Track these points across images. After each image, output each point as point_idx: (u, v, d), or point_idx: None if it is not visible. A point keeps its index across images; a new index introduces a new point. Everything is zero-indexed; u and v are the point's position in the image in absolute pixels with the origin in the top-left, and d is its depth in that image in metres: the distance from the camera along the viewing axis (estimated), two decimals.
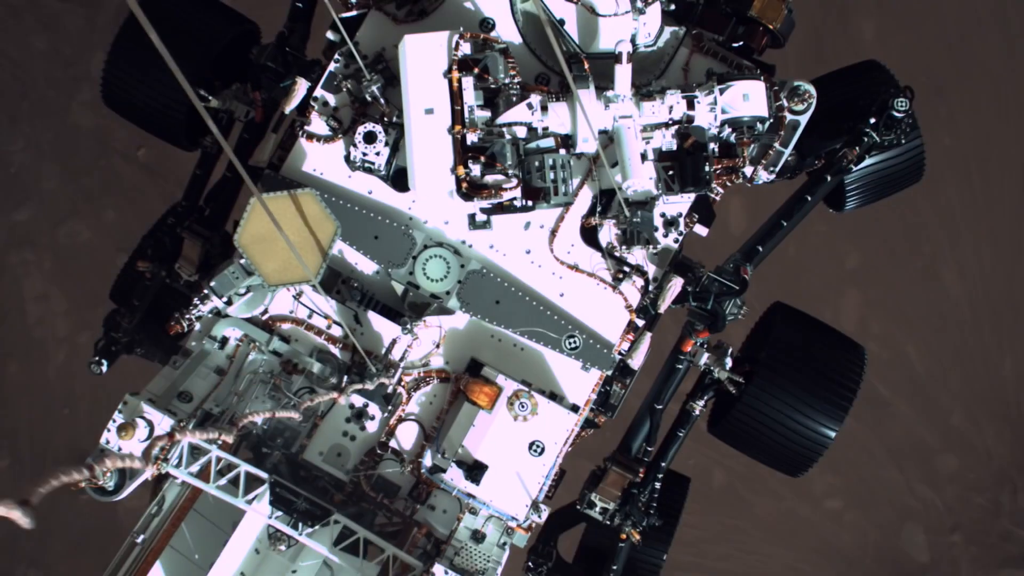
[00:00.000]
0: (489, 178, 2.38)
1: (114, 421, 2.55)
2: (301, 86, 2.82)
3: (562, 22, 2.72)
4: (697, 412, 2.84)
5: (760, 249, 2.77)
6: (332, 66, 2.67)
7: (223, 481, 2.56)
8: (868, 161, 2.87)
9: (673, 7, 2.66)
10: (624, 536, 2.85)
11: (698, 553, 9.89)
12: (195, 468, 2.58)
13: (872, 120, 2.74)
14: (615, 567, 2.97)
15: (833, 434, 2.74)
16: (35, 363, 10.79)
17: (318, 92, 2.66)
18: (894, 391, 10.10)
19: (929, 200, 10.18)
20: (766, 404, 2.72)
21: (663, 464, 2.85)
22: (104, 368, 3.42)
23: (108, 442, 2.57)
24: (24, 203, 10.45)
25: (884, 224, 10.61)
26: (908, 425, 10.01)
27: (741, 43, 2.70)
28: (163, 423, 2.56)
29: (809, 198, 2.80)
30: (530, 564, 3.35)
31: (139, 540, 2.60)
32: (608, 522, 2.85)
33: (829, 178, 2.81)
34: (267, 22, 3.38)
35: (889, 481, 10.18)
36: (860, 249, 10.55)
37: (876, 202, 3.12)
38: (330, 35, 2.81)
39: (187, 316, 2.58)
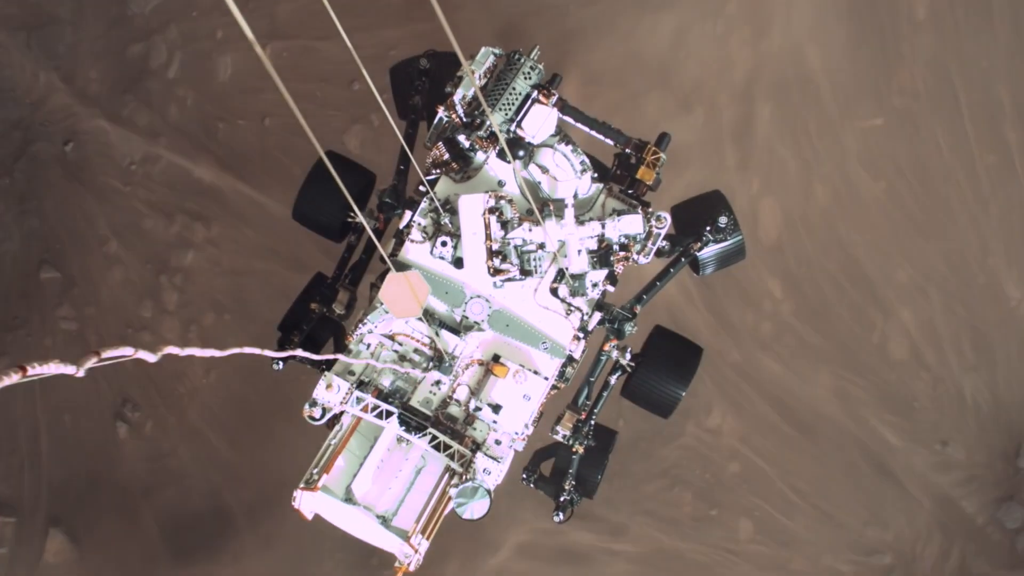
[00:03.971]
0: (503, 266, 7.38)
1: (320, 383, 7.51)
2: (407, 214, 7.80)
3: (539, 183, 7.72)
4: (612, 382, 7.65)
5: (644, 297, 7.63)
6: (423, 203, 7.73)
7: (372, 414, 7.54)
8: (709, 249, 7.70)
9: (596, 175, 7.68)
10: (575, 450, 7.96)
11: None
12: (358, 407, 7.56)
13: (708, 227, 7.89)
14: (571, 471, 7.99)
15: (682, 393, 7.64)
16: None
17: (416, 217, 7.74)
18: (953, 427, 12.41)
19: None
20: (647, 378, 7.57)
21: (595, 410, 7.69)
22: (280, 367, 8.47)
23: (316, 395, 7.55)
24: None
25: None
26: (968, 468, 12.43)
27: (632, 191, 7.78)
28: (343, 384, 7.55)
29: (672, 270, 7.69)
30: (524, 475, 8.41)
31: (333, 441, 7.65)
32: (567, 443, 7.87)
33: (683, 260, 7.70)
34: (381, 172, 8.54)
35: (946, 534, 12.31)
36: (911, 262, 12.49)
37: (721, 270, 8.13)
38: (421, 187, 7.78)
39: (356, 332, 7.62)
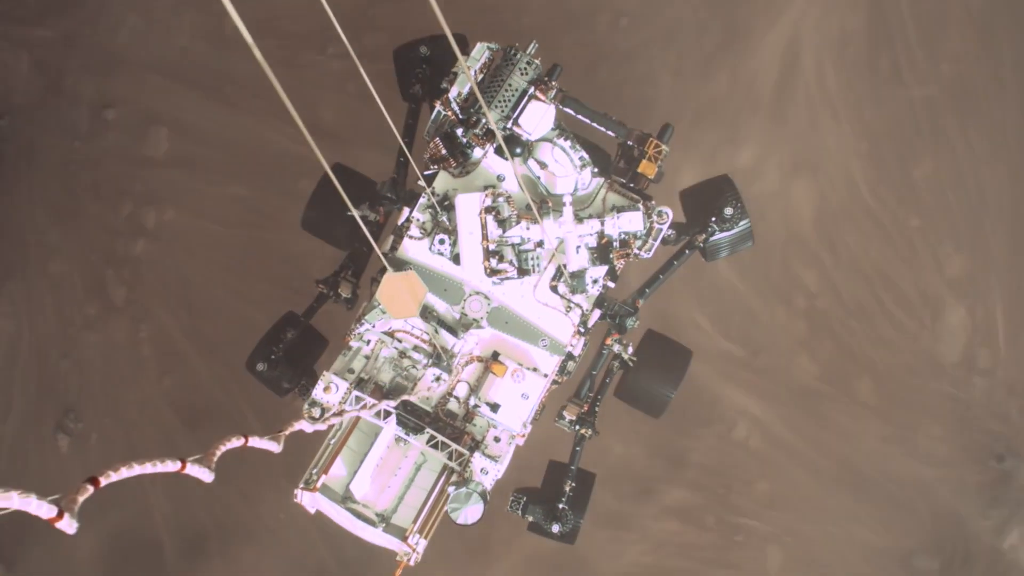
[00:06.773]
0: (500, 266, 9.37)
1: (320, 384, 9.84)
2: (405, 211, 10.08)
3: (539, 178, 10.06)
4: (614, 373, 9.65)
5: (647, 291, 9.28)
6: (421, 199, 9.93)
7: (371, 412, 9.89)
8: (718, 235, 9.39)
9: (596, 169, 9.90)
10: (578, 435, 9.71)
11: None
12: (357, 406, 9.91)
13: (713, 217, 10.19)
14: (572, 467, 9.87)
15: (673, 394, 9.43)
16: None
17: (414, 214, 9.97)
18: (1009, 440, 13.85)
19: None
20: (640, 379, 9.35)
21: (599, 400, 9.59)
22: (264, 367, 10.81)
23: (316, 395, 9.90)
24: None
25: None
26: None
27: (633, 185, 10.07)
28: (342, 384, 9.91)
29: (676, 262, 9.44)
30: (510, 507, 10.76)
31: (331, 441, 9.91)
32: (572, 430, 9.76)
33: (687, 251, 9.41)
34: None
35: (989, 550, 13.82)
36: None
37: (730, 255, 10.05)
38: (420, 182, 10.11)
39: (354, 332, 9.87)
